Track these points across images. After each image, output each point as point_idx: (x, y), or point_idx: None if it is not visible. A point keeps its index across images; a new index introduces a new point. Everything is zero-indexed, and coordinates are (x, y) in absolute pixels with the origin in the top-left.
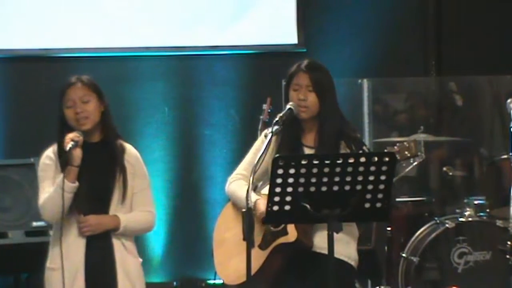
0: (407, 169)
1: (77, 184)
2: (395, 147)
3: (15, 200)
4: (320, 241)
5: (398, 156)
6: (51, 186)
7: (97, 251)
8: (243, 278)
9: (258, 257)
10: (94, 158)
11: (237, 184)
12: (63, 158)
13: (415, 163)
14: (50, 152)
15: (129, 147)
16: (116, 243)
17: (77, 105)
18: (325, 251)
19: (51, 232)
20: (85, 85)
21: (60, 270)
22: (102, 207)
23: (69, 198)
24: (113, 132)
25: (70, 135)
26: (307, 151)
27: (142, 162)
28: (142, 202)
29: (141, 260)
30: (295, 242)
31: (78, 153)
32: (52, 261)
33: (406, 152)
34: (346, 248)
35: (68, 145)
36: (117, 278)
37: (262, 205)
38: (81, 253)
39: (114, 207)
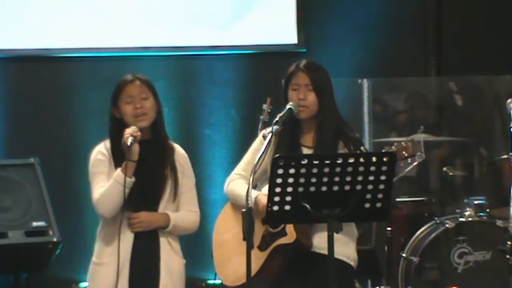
0: (407, 169)
1: (134, 179)
2: (393, 148)
3: (15, 200)
4: (319, 241)
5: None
6: (106, 181)
7: (144, 248)
8: (242, 279)
9: (258, 258)
10: (146, 156)
11: (236, 183)
12: (121, 155)
13: (415, 163)
14: (102, 148)
15: (178, 147)
16: (163, 241)
17: (136, 101)
18: (325, 252)
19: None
20: (143, 83)
21: (108, 265)
22: (152, 204)
23: (126, 194)
24: (164, 132)
25: (129, 130)
26: (306, 151)
27: (189, 162)
28: (189, 201)
29: (185, 261)
30: (294, 243)
31: (136, 149)
32: (99, 256)
33: (404, 152)
34: (346, 248)
35: (129, 140)
36: (160, 276)
37: (263, 199)
38: (128, 249)
39: (164, 205)
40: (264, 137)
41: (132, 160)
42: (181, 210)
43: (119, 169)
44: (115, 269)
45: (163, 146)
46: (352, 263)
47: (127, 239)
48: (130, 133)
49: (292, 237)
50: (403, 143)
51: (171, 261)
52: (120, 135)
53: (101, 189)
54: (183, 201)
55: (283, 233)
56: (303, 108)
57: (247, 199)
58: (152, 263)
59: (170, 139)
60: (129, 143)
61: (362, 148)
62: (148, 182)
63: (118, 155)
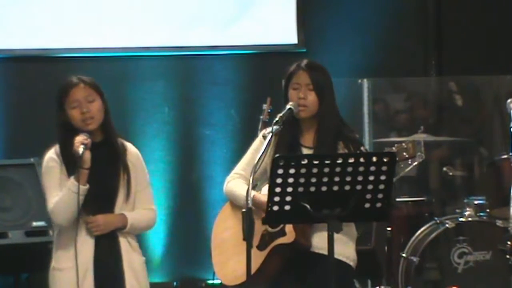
0: (407, 169)
1: (88, 186)
2: (393, 148)
3: (15, 200)
4: (318, 241)
5: (397, 157)
6: (59, 189)
7: (105, 250)
8: (241, 279)
9: (256, 258)
10: (97, 158)
11: (235, 182)
12: (71, 161)
13: (415, 163)
14: (52, 154)
15: (129, 146)
16: (123, 242)
17: (82, 105)
18: (324, 252)
19: (51, 233)
20: (88, 85)
21: (68, 270)
22: (108, 206)
23: (81, 201)
24: (114, 132)
25: (79, 138)
26: (305, 151)
27: (142, 160)
28: (144, 199)
29: (144, 258)
30: (293, 243)
31: (88, 156)
32: (58, 261)
33: (404, 153)
34: (345, 248)
35: (80, 149)
36: (125, 276)
37: (261, 197)
38: (90, 253)
39: (120, 206)
40: (264, 137)
41: (85, 168)
42: (137, 209)
43: (72, 178)
44: (76, 273)
45: (114, 147)
46: (351, 263)
47: (87, 243)
48: (80, 141)
49: (291, 237)
50: (403, 144)
51: (132, 260)
52: (68, 139)
53: (55, 198)
54: (139, 200)
55: (282, 233)
56: (303, 107)
57: (247, 199)
58: (115, 264)
59: (122, 138)
60: (80, 152)
61: (362, 148)
62: (101, 185)
63: (69, 160)
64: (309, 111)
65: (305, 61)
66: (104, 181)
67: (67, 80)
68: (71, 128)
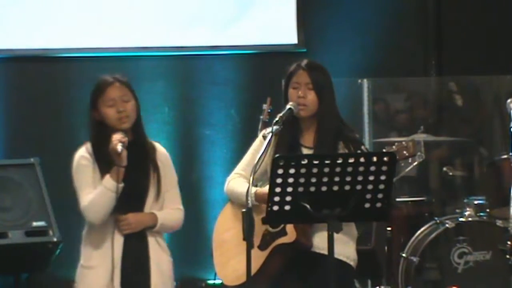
0: (407, 169)
1: (123, 184)
2: (393, 147)
3: (15, 200)
4: (319, 241)
5: (397, 156)
6: (92, 187)
7: (134, 249)
8: (242, 279)
9: (258, 257)
10: (129, 157)
11: (236, 181)
12: (105, 159)
13: (415, 163)
14: (84, 153)
15: (159, 146)
16: (151, 241)
17: (118, 104)
18: (324, 251)
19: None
20: (124, 85)
21: (97, 268)
22: (138, 205)
23: (115, 199)
24: (144, 132)
25: (117, 136)
26: (305, 151)
27: (171, 160)
28: (173, 199)
29: (172, 259)
30: (294, 243)
31: (125, 154)
32: (87, 259)
33: (405, 152)
34: (345, 248)
35: (119, 147)
36: (151, 276)
37: (265, 189)
38: (119, 251)
39: (149, 205)
40: (264, 137)
41: (122, 166)
42: (165, 208)
43: (107, 176)
44: (106, 272)
45: (144, 147)
46: (351, 263)
47: (117, 242)
48: (118, 139)
49: (292, 236)
50: (403, 142)
51: (160, 260)
52: (101, 137)
53: (89, 196)
54: (167, 199)
55: (283, 233)
56: (302, 106)
57: (247, 199)
58: (142, 263)
59: (149, 138)
60: (119, 150)
61: (362, 148)
62: (132, 184)
63: (102, 159)
64: (309, 111)
65: (305, 61)
66: (135, 180)
67: (102, 78)
68: (104, 127)
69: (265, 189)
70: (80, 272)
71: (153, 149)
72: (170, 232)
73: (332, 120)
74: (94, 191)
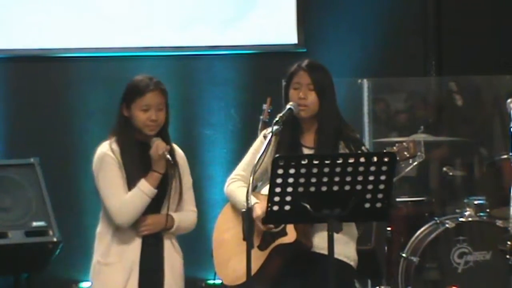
0: (407, 169)
1: (156, 190)
2: (394, 148)
3: (15, 200)
4: (319, 241)
5: (398, 157)
6: (121, 188)
7: (151, 249)
8: (242, 279)
9: (258, 257)
10: (150, 159)
11: (235, 185)
12: (128, 150)
13: (415, 163)
14: (107, 149)
15: (177, 148)
16: (167, 242)
17: (152, 111)
18: (325, 252)
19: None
20: (162, 93)
21: (115, 265)
22: (157, 206)
23: (147, 203)
24: (168, 135)
25: (162, 144)
26: (306, 151)
27: (187, 162)
28: (188, 201)
29: (183, 260)
30: (295, 243)
31: (165, 162)
32: (104, 256)
33: (405, 153)
34: (345, 248)
35: (167, 155)
36: (165, 277)
37: (259, 209)
38: (137, 251)
39: (169, 206)
40: (265, 137)
41: (160, 172)
42: (180, 210)
43: (143, 180)
44: (123, 270)
45: (170, 151)
46: (352, 263)
47: (135, 242)
48: (165, 147)
49: (293, 237)
50: (404, 143)
51: (174, 261)
52: (127, 135)
53: (122, 197)
54: (183, 201)
55: (283, 233)
56: (303, 107)
57: (247, 199)
58: (158, 264)
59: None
60: (168, 157)
61: (363, 148)
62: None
63: (127, 153)
64: (310, 111)
65: (306, 61)
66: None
67: (143, 80)
68: (129, 123)
69: (259, 209)
70: (97, 268)
71: (173, 152)
72: (184, 234)
73: (333, 121)
74: (129, 193)
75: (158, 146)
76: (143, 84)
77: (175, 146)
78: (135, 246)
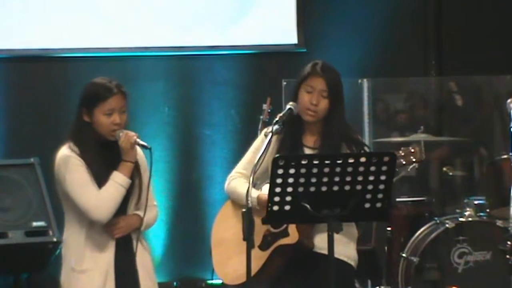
0: (407, 169)
1: (130, 181)
2: (400, 152)
3: (15, 200)
4: (320, 241)
5: (403, 161)
6: (94, 185)
7: (123, 251)
8: (242, 278)
9: (259, 257)
10: (114, 159)
11: (237, 181)
12: (90, 156)
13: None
14: (70, 152)
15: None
16: (135, 242)
17: (116, 114)
18: (325, 252)
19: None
20: (124, 96)
21: (90, 272)
22: (123, 207)
23: (123, 195)
24: None
25: (131, 132)
26: (307, 151)
27: (144, 157)
28: (149, 197)
29: (152, 256)
30: (297, 244)
31: (135, 152)
32: (79, 263)
33: (412, 157)
34: (346, 248)
35: (138, 140)
36: (139, 277)
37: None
38: (111, 255)
39: (132, 207)
40: (266, 136)
41: (132, 162)
42: (142, 207)
43: (116, 172)
44: (99, 276)
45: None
46: (352, 263)
47: (109, 245)
48: (134, 134)
49: (295, 238)
50: (411, 148)
51: (145, 259)
52: (87, 139)
53: (96, 193)
54: (144, 198)
55: (285, 234)
56: (312, 112)
57: (247, 199)
58: (130, 265)
59: None
60: (141, 142)
61: (365, 149)
62: None
63: (88, 153)
64: (317, 116)
65: (320, 64)
66: None
67: (104, 85)
68: (89, 129)
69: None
70: (72, 276)
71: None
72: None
73: (338, 125)
74: (103, 187)
75: (127, 135)
76: (105, 88)
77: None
78: (109, 250)
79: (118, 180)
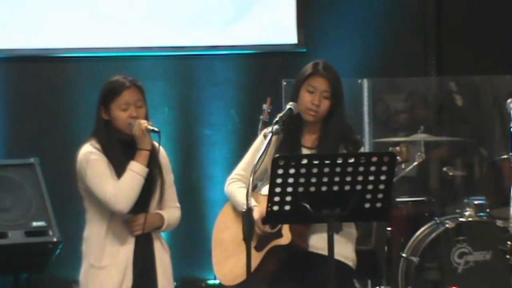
0: (407, 169)
1: (148, 169)
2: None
3: (15, 200)
4: (316, 241)
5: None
6: (114, 178)
7: (142, 249)
8: (239, 279)
9: (254, 258)
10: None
11: (235, 186)
12: (113, 152)
13: (415, 163)
14: (91, 149)
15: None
16: (156, 242)
17: (132, 109)
18: (322, 252)
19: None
20: (139, 90)
21: (109, 268)
22: (145, 205)
23: (142, 183)
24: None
25: (143, 120)
26: (305, 152)
27: (168, 158)
28: (172, 198)
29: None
30: (289, 245)
31: (150, 138)
32: (98, 259)
33: (398, 157)
34: (343, 248)
35: (149, 126)
36: (157, 277)
37: (257, 213)
38: (131, 252)
39: (154, 206)
40: (265, 136)
41: (147, 149)
42: (165, 207)
43: (133, 161)
44: (118, 272)
45: (152, 150)
46: (350, 263)
47: (128, 242)
48: (146, 121)
49: (287, 239)
50: (397, 147)
51: (164, 260)
52: (108, 136)
53: (114, 184)
54: (167, 198)
55: (278, 235)
56: (313, 112)
57: (247, 199)
58: (150, 264)
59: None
60: (153, 128)
61: (362, 149)
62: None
63: (110, 150)
64: (318, 117)
65: (321, 64)
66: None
67: (118, 79)
68: (110, 127)
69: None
70: (91, 272)
71: (156, 149)
72: (169, 231)
73: (338, 125)
74: (121, 178)
75: (139, 123)
76: (119, 83)
77: (157, 145)
78: (129, 247)
79: (134, 169)
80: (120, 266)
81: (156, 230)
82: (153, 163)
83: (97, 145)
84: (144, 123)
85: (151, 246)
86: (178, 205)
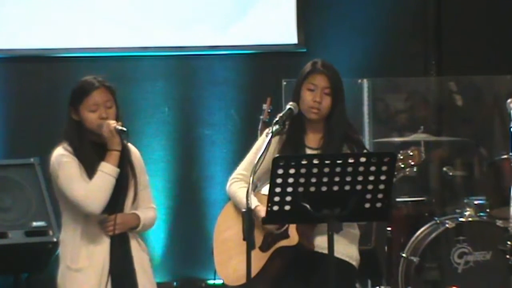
0: (407, 169)
1: (119, 170)
2: (399, 156)
3: (15, 200)
4: (322, 241)
5: (402, 164)
6: (85, 179)
7: (119, 249)
8: (243, 279)
9: (259, 258)
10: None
11: (237, 186)
12: (84, 154)
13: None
14: (63, 151)
15: (131, 146)
16: (133, 242)
17: (101, 109)
18: (326, 251)
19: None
20: (109, 90)
21: (86, 270)
22: (119, 205)
23: (113, 184)
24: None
25: (111, 121)
26: (309, 152)
27: (142, 159)
28: (147, 199)
29: (149, 257)
30: (297, 246)
31: (119, 139)
32: (74, 261)
33: (410, 161)
34: (348, 248)
35: (118, 127)
36: (137, 277)
37: (262, 212)
38: (106, 252)
39: (129, 206)
40: (267, 136)
41: (117, 149)
42: (139, 208)
43: (103, 162)
44: (95, 274)
45: (124, 150)
46: (354, 263)
47: (104, 243)
48: (115, 122)
49: (294, 240)
50: (409, 151)
51: (142, 260)
52: (79, 138)
53: (83, 184)
54: (142, 199)
55: (285, 235)
56: (315, 110)
57: (247, 199)
58: (128, 264)
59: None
60: (118, 129)
61: (365, 151)
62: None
63: (82, 152)
64: (321, 114)
65: (320, 62)
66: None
67: (87, 80)
68: (81, 128)
69: (262, 211)
70: (67, 274)
71: (128, 150)
72: (145, 231)
73: (341, 124)
74: (92, 179)
75: (108, 124)
76: (87, 83)
77: (130, 146)
78: (104, 247)
79: (105, 170)
80: (97, 268)
81: (132, 230)
82: (124, 163)
83: (69, 148)
84: (112, 123)
85: (127, 246)
86: (154, 205)
